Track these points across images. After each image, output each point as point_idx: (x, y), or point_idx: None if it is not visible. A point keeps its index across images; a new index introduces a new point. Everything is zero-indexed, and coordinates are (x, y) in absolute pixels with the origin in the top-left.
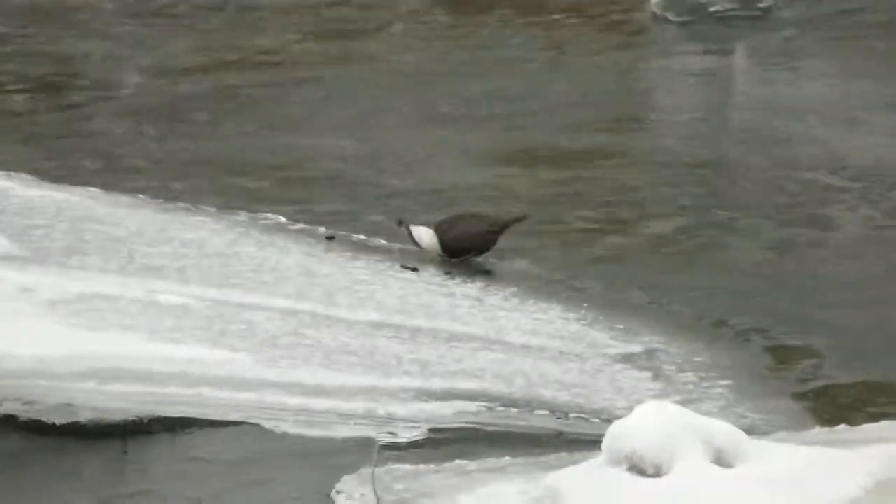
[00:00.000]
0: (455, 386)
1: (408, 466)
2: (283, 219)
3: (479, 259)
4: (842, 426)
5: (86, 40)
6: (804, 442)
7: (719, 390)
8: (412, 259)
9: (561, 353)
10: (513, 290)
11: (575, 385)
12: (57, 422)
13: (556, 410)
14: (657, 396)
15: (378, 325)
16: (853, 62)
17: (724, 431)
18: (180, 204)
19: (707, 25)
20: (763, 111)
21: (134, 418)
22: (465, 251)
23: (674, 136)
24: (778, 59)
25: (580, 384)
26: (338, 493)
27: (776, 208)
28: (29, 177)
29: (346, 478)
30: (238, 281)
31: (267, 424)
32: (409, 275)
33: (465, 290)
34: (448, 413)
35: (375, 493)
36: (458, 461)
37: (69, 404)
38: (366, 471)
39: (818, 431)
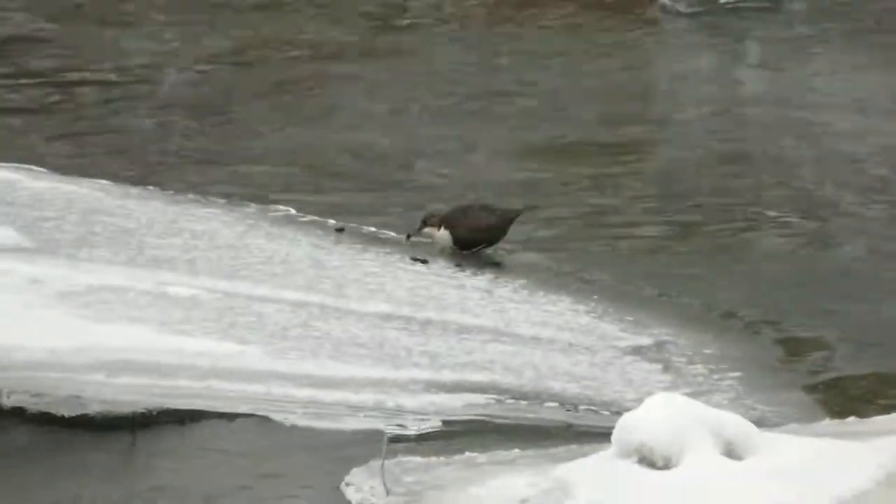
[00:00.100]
0: (465, 378)
1: (417, 459)
2: (293, 210)
3: (489, 251)
4: (852, 418)
5: (130, 35)
6: (814, 434)
7: (729, 382)
8: (422, 251)
9: (571, 345)
10: (522, 281)
11: (584, 377)
12: (66, 414)
13: (565, 403)
14: (667, 388)
15: (387, 317)
16: (868, 53)
17: (734, 423)
18: (190, 196)
19: (718, 17)
20: (780, 104)
21: (143, 410)
22: (475, 243)
23: (693, 131)
24: (793, 51)
25: (590, 376)
26: (347, 485)
27: (787, 200)
28: (39, 169)
29: (355, 470)
30: (248, 273)
31: (276, 417)
32: (419, 267)
33: (475, 281)
34: (458, 405)
35: (385, 485)
36: (467, 453)
37: (78, 396)
38: (375, 463)
39: (828, 423)
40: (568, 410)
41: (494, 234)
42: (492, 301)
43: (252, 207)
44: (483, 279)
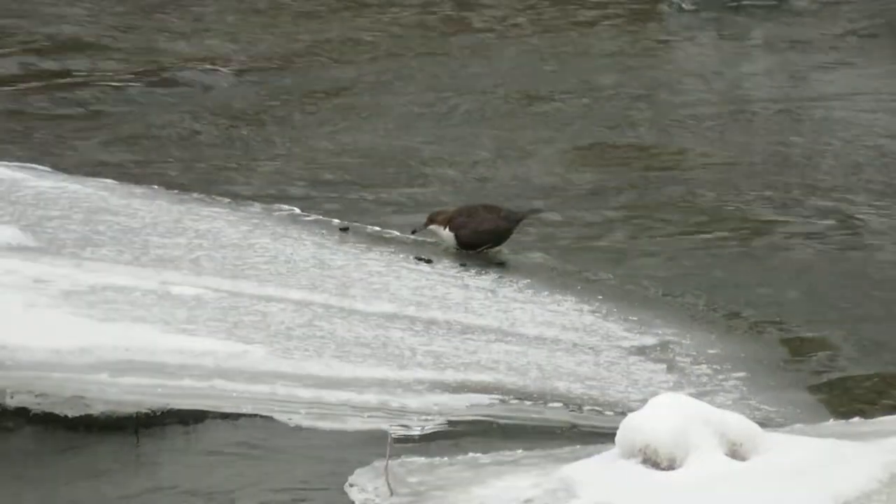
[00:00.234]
0: (469, 378)
1: (421, 459)
2: (297, 210)
3: (494, 251)
4: (857, 419)
5: (185, 36)
6: (819, 434)
7: (734, 382)
8: (426, 251)
9: (575, 345)
10: (527, 281)
11: (589, 377)
12: (69, 414)
13: (570, 403)
14: (671, 389)
15: (392, 317)
16: (874, 49)
17: (739, 424)
18: (194, 195)
19: (723, 14)
20: (792, 103)
21: (147, 411)
22: (480, 244)
23: (700, 135)
24: (799, 49)
25: (594, 376)
26: (351, 485)
27: (791, 200)
28: (43, 168)
29: (359, 470)
30: (252, 272)
31: (280, 417)
32: (424, 266)
33: (480, 281)
34: (462, 405)
35: (389, 485)
36: (471, 454)
37: (82, 397)
38: (379, 463)
39: (833, 424)
40: (572, 410)
41: (500, 235)
42: (496, 301)
43: (256, 207)
44: (487, 279)
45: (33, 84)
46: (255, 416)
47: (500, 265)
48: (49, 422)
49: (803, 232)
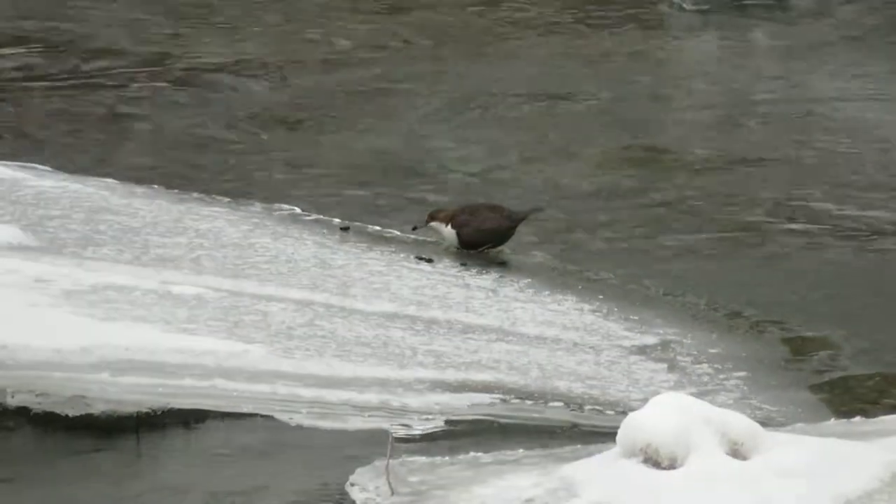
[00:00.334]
0: (470, 377)
1: (422, 458)
2: (298, 209)
3: (495, 250)
4: (858, 418)
5: (222, 39)
6: (820, 434)
7: (735, 382)
8: (427, 250)
9: (576, 344)
10: (527, 281)
11: (590, 377)
12: (70, 414)
13: (570, 402)
14: (672, 388)
15: (392, 317)
16: (874, 48)
17: (740, 423)
18: (195, 194)
19: (724, 14)
20: (793, 103)
21: (147, 410)
22: (481, 243)
23: (701, 135)
24: (801, 48)
25: (595, 376)
26: (352, 485)
27: (792, 200)
28: (44, 167)
29: (360, 470)
30: (253, 272)
31: (281, 416)
32: (424, 266)
33: (480, 281)
34: (463, 405)
35: (390, 485)
36: (472, 453)
37: (83, 396)
38: (380, 463)
39: (834, 423)
40: (573, 410)
41: (502, 235)
42: (497, 300)
43: (257, 206)
44: (488, 278)
45: (57, 84)
46: (256, 415)
47: (501, 264)
48: (50, 421)
49: (804, 231)
